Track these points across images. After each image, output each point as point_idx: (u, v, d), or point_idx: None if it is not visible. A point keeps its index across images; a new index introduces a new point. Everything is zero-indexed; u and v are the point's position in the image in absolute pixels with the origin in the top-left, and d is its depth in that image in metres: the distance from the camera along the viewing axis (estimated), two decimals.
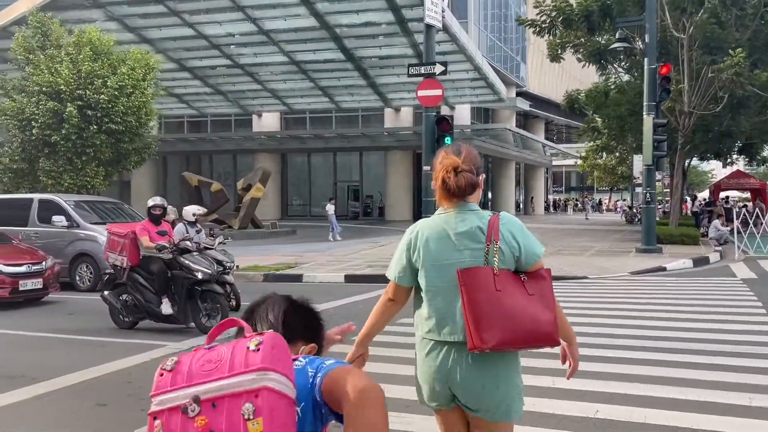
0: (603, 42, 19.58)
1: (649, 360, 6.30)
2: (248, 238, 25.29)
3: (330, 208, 25.48)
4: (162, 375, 1.28)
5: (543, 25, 19.76)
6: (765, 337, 7.29)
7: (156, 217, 8.18)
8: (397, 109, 36.17)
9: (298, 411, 1.29)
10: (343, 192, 39.48)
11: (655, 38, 15.70)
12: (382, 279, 13.35)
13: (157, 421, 1.22)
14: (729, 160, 32.11)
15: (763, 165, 34.49)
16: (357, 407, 1.23)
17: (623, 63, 21.84)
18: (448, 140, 14.18)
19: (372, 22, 27.12)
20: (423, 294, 2.60)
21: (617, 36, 17.27)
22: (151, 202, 8.22)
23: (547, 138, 50.21)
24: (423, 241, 2.54)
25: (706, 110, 17.65)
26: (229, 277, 9.43)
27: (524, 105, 40.71)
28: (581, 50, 20.53)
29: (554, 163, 58.09)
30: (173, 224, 9.77)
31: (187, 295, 7.69)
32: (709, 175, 74.20)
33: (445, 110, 35.91)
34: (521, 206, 48.87)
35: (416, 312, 2.68)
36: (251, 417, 1.13)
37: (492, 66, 34.53)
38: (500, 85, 32.74)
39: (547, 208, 56.16)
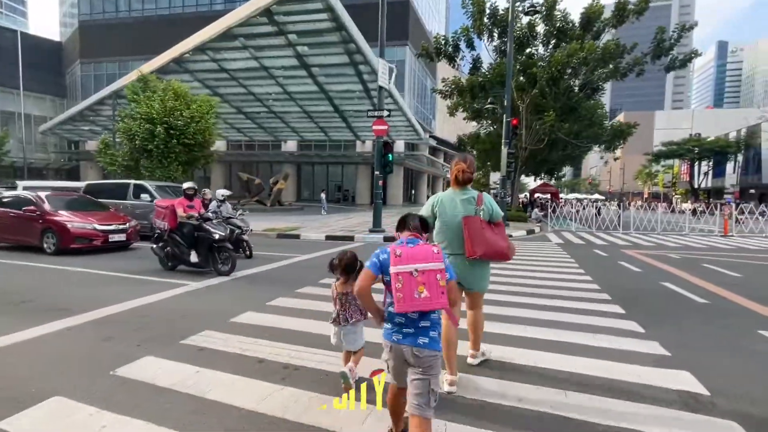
0: (479, 106, 18.95)
1: (506, 302, 5.17)
2: (274, 212, 24.20)
3: (322, 196, 24.55)
4: (398, 256, 1.80)
5: (446, 92, 18.92)
6: (583, 284, 6.34)
7: (189, 195, 6.81)
8: (363, 141, 35.00)
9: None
10: (332, 187, 38.35)
11: (510, 104, 15.14)
12: (348, 238, 12.50)
13: (400, 278, 1.76)
14: (540, 176, 32.35)
15: (557, 180, 35.62)
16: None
17: (489, 121, 21.36)
18: (390, 157, 13.33)
19: (349, 90, 25.84)
20: (437, 229, 2.89)
21: (489, 101, 16.93)
22: (186, 185, 6.85)
23: (444, 161, 49.94)
24: (440, 202, 2.89)
25: (535, 147, 17.31)
26: (245, 237, 8.24)
27: (433, 142, 40.13)
28: (467, 111, 19.87)
29: (447, 175, 57.18)
30: (210, 200, 8.48)
31: (208, 249, 6.44)
32: (527, 185, 76.19)
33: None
34: (428, 198, 48.47)
35: (435, 238, 2.90)
36: (440, 279, 1.77)
37: (416, 119, 33.84)
38: (420, 130, 31.91)
39: None
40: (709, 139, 45.44)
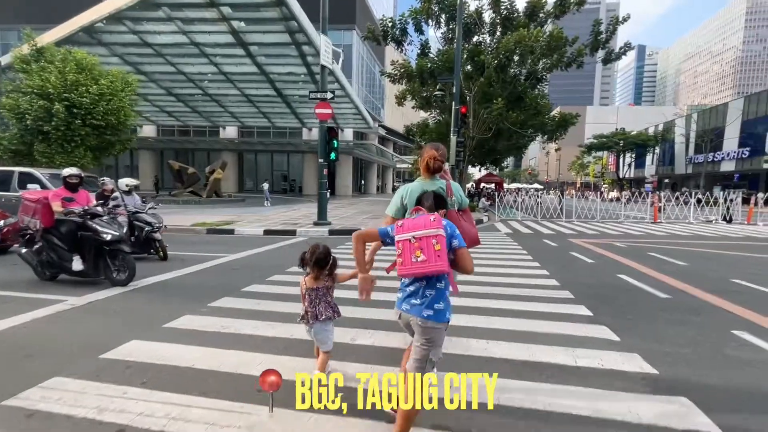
0: (428, 93, 18.24)
1: (467, 292, 4.51)
2: (211, 204, 22.09)
3: (265, 186, 22.75)
4: (399, 226, 1.90)
5: (394, 76, 17.92)
6: (541, 280, 5.83)
7: (71, 185, 5.25)
8: (310, 129, 33.22)
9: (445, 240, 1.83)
10: (277, 177, 36.22)
11: (459, 91, 14.60)
12: (289, 233, 11.28)
13: (400, 245, 1.85)
14: (486, 166, 32.86)
15: (501, 170, 36.69)
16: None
17: (437, 110, 20.82)
18: (335, 143, 12.24)
19: (293, 73, 24.02)
20: None
21: (437, 87, 16.28)
22: (66, 172, 5.25)
23: (394, 151, 49.41)
24: (408, 194, 2.58)
25: (483, 136, 17.01)
26: (157, 235, 6.75)
27: (382, 132, 39.26)
28: (416, 99, 19.11)
29: (397, 166, 57.09)
30: (111, 192, 6.88)
31: (97, 253, 4.99)
32: (472, 175, 78.20)
33: (340, 132, 33.98)
34: (379, 189, 47.86)
35: None
36: (436, 243, 1.80)
37: (365, 107, 32.78)
38: (369, 118, 30.84)
39: (393, 189, 54.89)
40: (632, 133, 49.19)
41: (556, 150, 27.87)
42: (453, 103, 14.72)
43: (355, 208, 19.59)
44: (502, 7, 16.97)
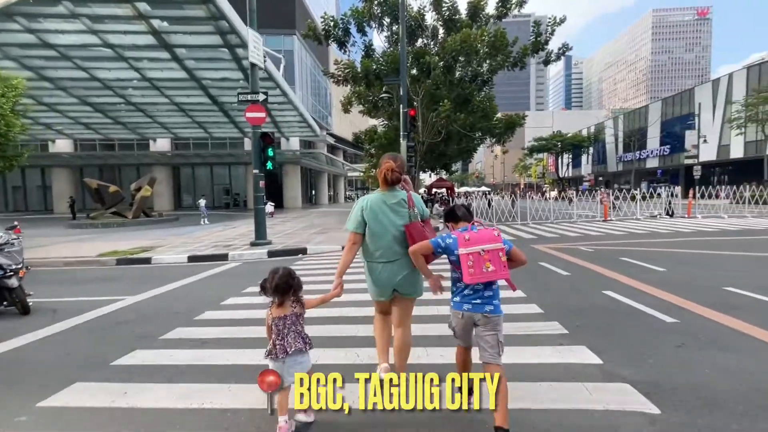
0: (374, 97, 17.09)
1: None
2: (137, 225, 19.42)
3: (202, 202, 20.45)
4: (466, 239, 2.14)
5: (338, 76, 16.53)
6: (520, 305, 4.55)
7: None
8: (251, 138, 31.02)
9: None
10: (219, 191, 33.40)
11: (406, 94, 13.60)
12: (219, 258, 9.46)
13: (471, 257, 2.09)
14: (436, 171, 32.59)
15: (451, 174, 36.65)
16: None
17: (385, 115, 19.77)
18: (270, 151, 10.63)
19: (227, 78, 21.90)
20: (368, 237, 2.52)
21: (383, 89, 15.18)
22: None
23: (344, 160, 48.08)
24: (369, 207, 2.50)
25: (433, 140, 16.19)
26: (12, 281, 4.81)
27: (330, 140, 37.80)
28: (363, 104, 17.88)
29: (349, 174, 55.63)
30: None
31: None
32: (423, 181, 78.75)
33: (282, 142, 31.95)
34: (331, 198, 46.19)
35: (365, 248, 2.57)
36: (502, 256, 2.11)
37: (312, 116, 31.22)
38: (315, 126, 29.23)
39: (346, 199, 53.74)
40: (569, 135, 51.88)
41: (504, 153, 27.84)
42: (401, 106, 13.71)
43: (304, 221, 17.92)
44: (444, 8, 16.36)
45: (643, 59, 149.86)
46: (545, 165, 64.26)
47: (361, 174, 47.36)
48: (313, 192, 40.42)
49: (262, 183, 10.63)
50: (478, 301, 2.22)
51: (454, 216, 2.40)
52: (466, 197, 29.86)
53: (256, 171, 10.45)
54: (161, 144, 30.71)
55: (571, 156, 56.31)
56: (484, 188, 68.23)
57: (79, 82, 21.44)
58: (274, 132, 29.55)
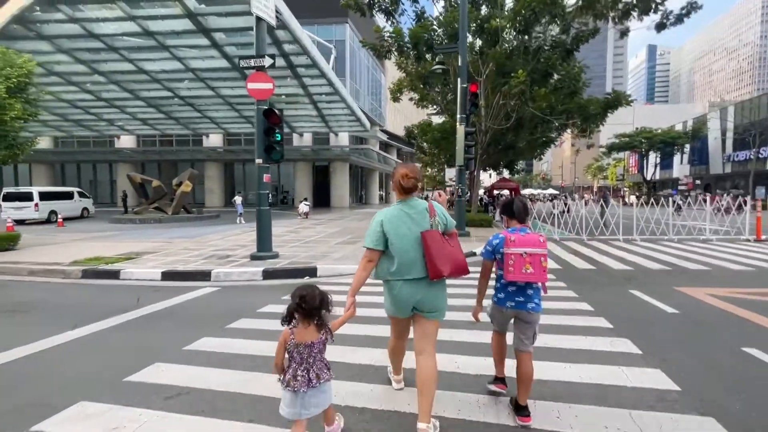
0: (424, 71, 13.76)
1: None
2: (174, 221, 18.41)
3: (237, 199, 18.91)
4: (512, 240, 2.27)
5: (381, 49, 13.27)
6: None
7: None
8: (301, 134, 29.30)
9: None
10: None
11: (466, 63, 10.25)
12: (198, 276, 6.13)
13: (513, 257, 2.23)
14: (498, 170, 28.42)
15: (517, 174, 32.41)
16: None
17: (440, 96, 16.34)
18: (277, 135, 7.99)
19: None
20: (390, 253, 2.25)
21: (437, 60, 11.80)
22: None
23: (398, 158, 45.23)
24: (387, 221, 2.25)
25: (500, 126, 12.53)
26: None
27: (383, 136, 35.04)
28: (413, 84, 14.76)
29: None
30: None
31: None
32: (482, 182, 73.05)
33: (332, 138, 29.88)
34: (383, 198, 43.61)
35: (380, 267, 2.29)
36: (543, 261, 2.23)
37: (365, 112, 28.80)
38: (365, 120, 26.67)
39: None
40: (659, 131, 43.82)
41: (576, 152, 22.58)
42: (458, 81, 10.36)
43: (339, 224, 15.24)
44: None
45: (748, 45, 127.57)
46: (626, 165, 55.76)
47: None
48: (363, 192, 38.08)
49: (266, 177, 8.00)
50: (522, 298, 2.35)
51: (509, 210, 2.49)
52: (532, 200, 25.37)
53: (259, 161, 7.84)
54: (213, 140, 30.22)
55: (659, 155, 47.80)
56: (551, 191, 61.33)
57: (128, 75, 20.89)
58: (322, 127, 27.64)
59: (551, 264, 7.55)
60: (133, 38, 17.90)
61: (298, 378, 1.86)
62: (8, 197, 17.21)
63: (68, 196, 19.71)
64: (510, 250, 2.28)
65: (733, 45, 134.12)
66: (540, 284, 2.34)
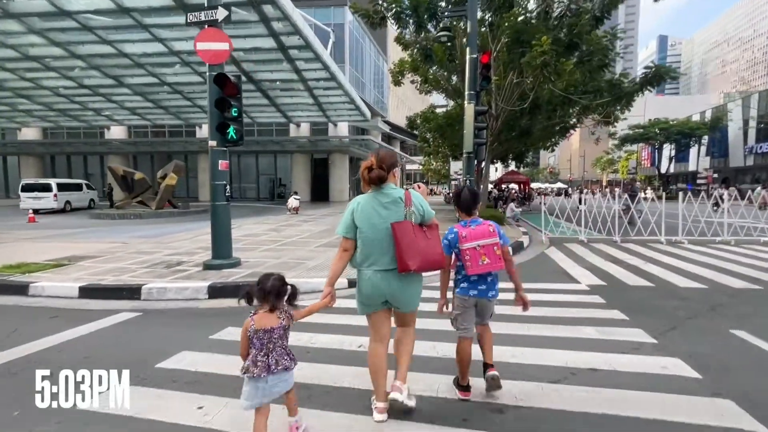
0: (428, 43, 11.81)
1: None
2: (155, 217, 16.86)
3: None
4: (463, 236, 2.29)
5: (375, 16, 11.25)
6: None
7: None
8: (298, 124, 27.45)
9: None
10: (264, 182, 30.72)
11: (476, 29, 8.37)
12: (124, 293, 4.12)
13: (468, 252, 2.24)
14: (506, 163, 26.44)
15: (525, 167, 30.48)
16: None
17: (443, 77, 14.39)
18: (234, 111, 6.24)
19: (259, 48, 18.21)
20: (360, 243, 2.18)
21: (441, 26, 9.86)
22: None
23: (402, 151, 43.32)
24: (359, 209, 2.18)
25: (515, 107, 10.58)
26: None
27: (385, 127, 33.12)
28: (415, 57, 12.86)
29: (407, 167, 50.69)
30: None
31: None
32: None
33: (330, 128, 28.04)
34: None
35: (354, 256, 2.21)
36: (496, 249, 2.27)
37: (366, 102, 26.95)
38: (365, 109, 24.75)
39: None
40: (675, 122, 41.29)
41: (597, 141, 20.33)
42: (467, 50, 8.48)
43: (328, 222, 13.44)
44: None
45: (763, 35, 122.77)
46: (638, 158, 53.23)
47: (420, 167, 42.35)
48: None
49: (222, 164, 6.26)
50: (483, 287, 2.39)
51: (457, 201, 2.51)
52: (542, 196, 23.35)
53: (212, 144, 6.11)
54: (207, 130, 28.53)
55: (673, 148, 45.25)
56: (560, 185, 59.06)
57: (108, 59, 19.14)
58: (319, 116, 25.81)
59: (591, 279, 5.71)
60: (107, 16, 16.15)
61: (258, 363, 1.85)
62: (27, 188, 18.53)
63: (78, 187, 21.25)
64: (464, 246, 2.33)
65: (747, 35, 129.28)
66: (496, 272, 2.40)
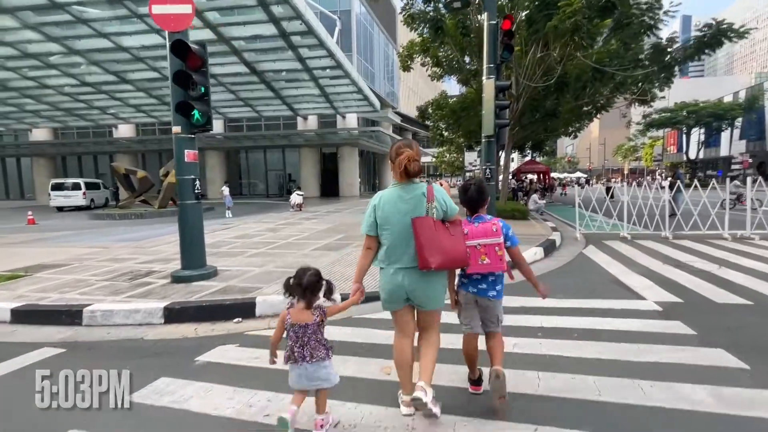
0: (439, 16, 10.37)
1: None
2: (155, 217, 16.15)
3: (225, 190, 16.40)
4: (465, 234, 2.13)
5: None
6: None
7: None
8: (305, 117, 26.35)
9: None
10: (272, 177, 29.85)
11: None
12: (64, 317, 3.78)
13: (468, 250, 2.09)
14: (524, 152, 24.85)
15: (545, 156, 28.80)
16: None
17: (456, 56, 12.90)
18: (201, 88, 5.15)
19: (259, 36, 17.08)
20: (382, 239, 2.14)
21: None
22: None
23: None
24: (381, 204, 2.13)
25: (539, 84, 9.08)
26: None
27: (396, 118, 31.72)
28: (424, 33, 11.53)
29: (421, 160, 49.25)
30: None
31: None
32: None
33: (339, 121, 26.85)
34: None
35: (377, 253, 2.17)
36: (498, 250, 2.14)
37: (376, 93, 25.63)
38: (374, 98, 23.42)
39: None
40: (705, 104, 38.38)
41: (628, 124, 18.41)
42: (486, 16, 7.12)
43: (332, 219, 12.24)
44: None
45: None
46: (664, 144, 50.23)
47: (434, 159, 40.71)
48: (377, 179, 35.05)
49: (189, 154, 5.15)
50: (484, 285, 2.29)
51: (462, 197, 2.41)
52: (562, 186, 21.64)
53: (176, 129, 5.00)
54: (214, 126, 27.78)
55: (703, 132, 42.21)
56: (579, 174, 56.45)
57: (107, 54, 18.37)
58: (327, 108, 24.63)
59: (658, 293, 4.32)
60: (100, 8, 15.29)
61: (295, 353, 2.00)
62: (56, 187, 20.38)
63: (97, 186, 22.72)
64: (466, 243, 2.20)
65: None
66: (502, 272, 2.27)
